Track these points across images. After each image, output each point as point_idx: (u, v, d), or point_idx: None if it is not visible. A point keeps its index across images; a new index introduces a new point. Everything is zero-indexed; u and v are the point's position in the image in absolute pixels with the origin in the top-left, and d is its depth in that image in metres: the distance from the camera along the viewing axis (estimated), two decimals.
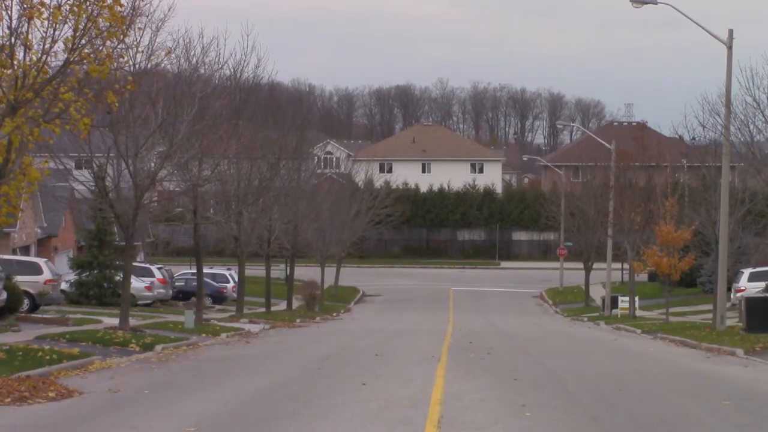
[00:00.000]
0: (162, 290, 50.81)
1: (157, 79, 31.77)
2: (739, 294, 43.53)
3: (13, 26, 20.20)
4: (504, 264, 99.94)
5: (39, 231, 55.97)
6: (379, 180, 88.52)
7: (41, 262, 41.39)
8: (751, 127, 34.91)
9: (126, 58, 26.44)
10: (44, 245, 57.72)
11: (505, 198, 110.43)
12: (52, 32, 20.46)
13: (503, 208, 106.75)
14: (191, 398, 15.45)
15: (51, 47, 20.48)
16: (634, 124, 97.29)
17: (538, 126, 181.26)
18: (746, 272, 48.59)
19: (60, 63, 21.02)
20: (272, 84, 57.14)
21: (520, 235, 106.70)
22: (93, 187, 32.45)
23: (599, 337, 36.63)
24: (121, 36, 22.24)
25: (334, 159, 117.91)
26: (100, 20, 21.05)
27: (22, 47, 20.32)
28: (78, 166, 36.34)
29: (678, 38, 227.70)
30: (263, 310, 51.05)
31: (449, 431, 12.48)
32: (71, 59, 20.88)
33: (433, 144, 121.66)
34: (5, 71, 20.02)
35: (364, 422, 13.06)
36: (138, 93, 29.13)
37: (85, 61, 21.06)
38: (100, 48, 21.38)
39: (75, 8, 20.66)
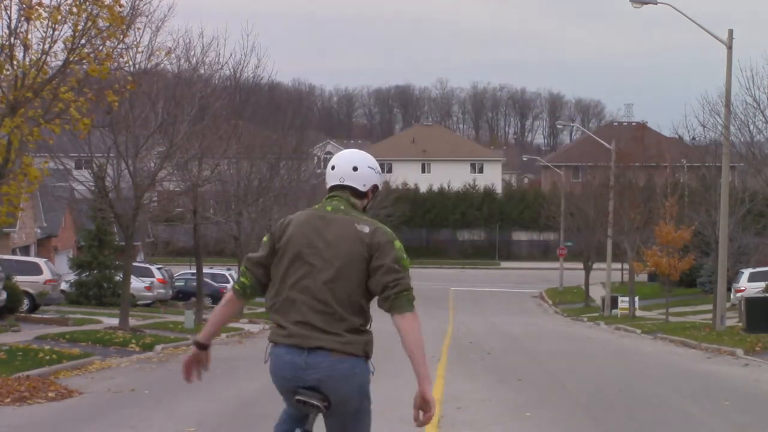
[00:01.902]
0: (162, 290, 50.81)
1: (157, 79, 31.78)
2: (739, 294, 43.52)
3: (12, 26, 20.20)
4: (504, 264, 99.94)
5: (39, 231, 55.98)
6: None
7: (41, 262, 41.39)
8: (751, 127, 34.98)
9: (126, 58, 26.47)
10: (44, 245, 57.75)
11: (505, 198, 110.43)
12: (51, 32, 20.47)
13: (503, 208, 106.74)
14: (191, 398, 15.45)
15: (50, 47, 20.49)
16: (634, 124, 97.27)
17: (538, 126, 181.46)
18: (746, 272, 48.57)
19: (60, 63, 21.03)
20: (272, 84, 57.12)
21: (519, 235, 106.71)
22: (93, 187, 32.45)
23: (599, 338, 36.63)
24: (121, 36, 22.25)
25: None
26: (100, 20, 21.06)
27: (22, 47, 20.32)
28: (78, 166, 36.35)
29: (678, 38, 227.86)
30: (263, 310, 51.04)
31: (449, 431, 12.47)
32: (71, 59, 20.89)
33: (432, 144, 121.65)
34: (5, 71, 20.02)
35: None
36: (138, 93, 29.14)
37: (84, 61, 21.07)
38: (100, 48, 21.40)
39: (74, 8, 20.67)
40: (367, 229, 6.00)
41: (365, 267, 5.97)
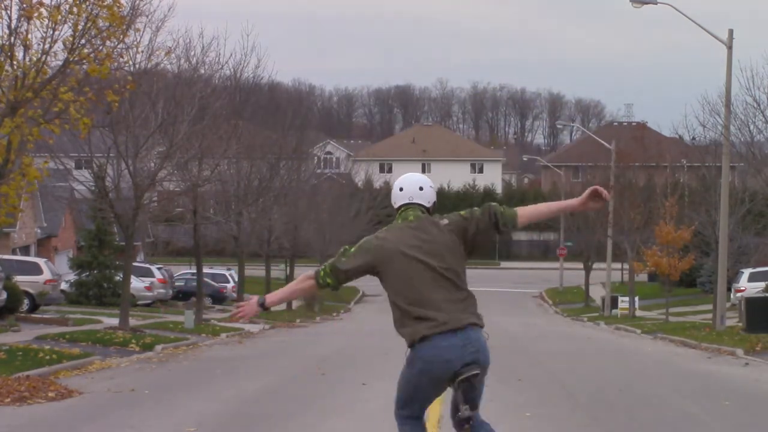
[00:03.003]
0: (162, 290, 50.78)
1: (157, 79, 31.75)
2: (739, 294, 43.49)
3: (12, 26, 20.19)
4: (504, 264, 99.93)
5: (39, 231, 55.96)
6: (379, 180, 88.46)
7: (41, 262, 41.36)
8: (751, 127, 34.94)
9: (126, 58, 26.47)
10: (44, 245, 57.72)
11: (505, 198, 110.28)
12: (51, 32, 20.46)
13: None
14: (191, 398, 15.45)
15: (50, 47, 20.48)
16: (634, 124, 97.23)
17: (538, 126, 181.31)
18: (746, 272, 48.54)
19: (59, 63, 21.02)
20: (272, 84, 57.12)
21: (519, 235, 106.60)
22: (93, 187, 32.44)
23: (599, 338, 36.63)
24: (121, 36, 22.25)
25: (334, 159, 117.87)
26: (100, 20, 21.05)
27: (22, 47, 20.31)
28: (78, 166, 36.36)
29: (678, 38, 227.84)
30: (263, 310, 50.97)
31: (449, 431, 12.46)
32: (71, 59, 20.88)
33: (433, 144, 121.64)
34: (5, 71, 20.01)
35: (364, 422, 13.06)
36: (138, 93, 29.12)
37: (84, 61, 21.06)
38: (100, 48, 21.39)
39: (74, 8, 20.66)
40: (446, 221, 7.36)
41: (462, 245, 7.35)
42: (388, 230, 7.43)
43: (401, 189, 7.49)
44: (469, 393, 7.48)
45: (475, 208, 7.43)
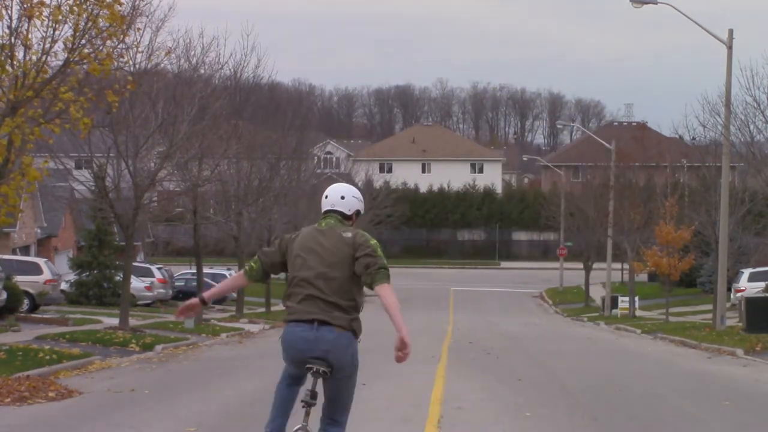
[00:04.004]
0: (162, 290, 50.78)
1: (157, 79, 31.75)
2: (739, 294, 43.48)
3: (13, 26, 20.18)
4: (504, 264, 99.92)
5: (39, 231, 55.96)
6: (378, 180, 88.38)
7: (41, 262, 41.36)
8: (751, 127, 34.94)
9: (126, 58, 26.42)
10: (44, 245, 57.73)
11: (505, 198, 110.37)
12: (51, 32, 20.45)
13: (503, 208, 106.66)
14: (191, 398, 15.45)
15: (51, 47, 20.46)
16: (634, 124, 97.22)
17: (538, 126, 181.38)
18: (746, 272, 48.53)
19: (60, 63, 21.00)
20: (272, 84, 57.07)
21: (519, 235, 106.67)
22: (93, 187, 32.44)
23: (599, 338, 36.63)
24: (121, 36, 22.22)
25: (334, 159, 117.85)
26: (100, 20, 21.03)
27: (22, 47, 20.30)
28: (78, 166, 36.35)
29: (678, 38, 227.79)
30: (263, 310, 51.03)
31: (449, 431, 12.48)
32: (71, 59, 20.87)
33: (433, 144, 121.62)
34: (5, 71, 20.00)
35: (364, 422, 13.05)
36: (138, 93, 29.11)
37: (85, 60, 21.04)
38: (100, 48, 21.37)
39: (75, 8, 20.64)
40: (350, 234, 8.02)
41: (351, 260, 7.92)
42: (303, 231, 8.25)
43: (326, 197, 8.26)
44: (322, 386, 8.06)
45: (368, 254, 7.88)
